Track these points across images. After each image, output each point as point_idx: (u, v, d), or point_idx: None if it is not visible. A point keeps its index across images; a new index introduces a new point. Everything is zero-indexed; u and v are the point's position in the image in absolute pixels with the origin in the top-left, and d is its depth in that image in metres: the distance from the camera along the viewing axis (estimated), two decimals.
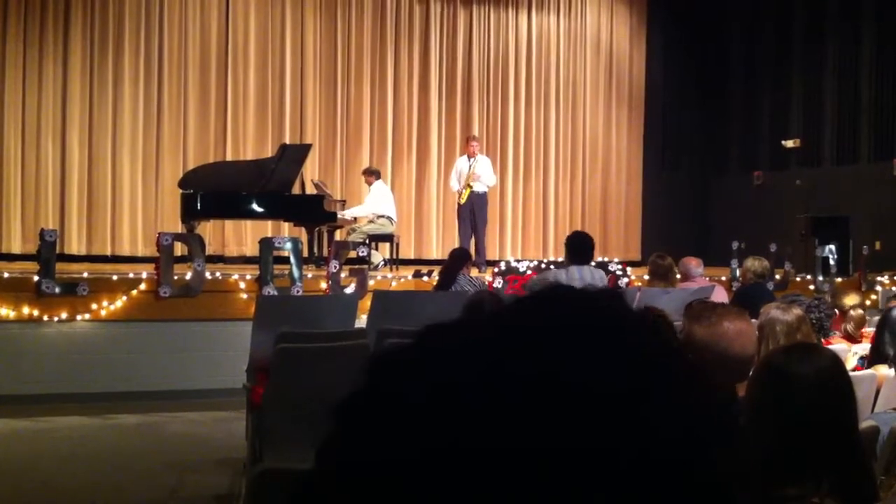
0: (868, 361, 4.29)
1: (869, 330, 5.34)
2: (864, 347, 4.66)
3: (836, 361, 1.98)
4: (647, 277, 8.26)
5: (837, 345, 4.92)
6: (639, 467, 0.52)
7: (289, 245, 8.81)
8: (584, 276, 6.53)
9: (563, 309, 0.59)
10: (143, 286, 8.34)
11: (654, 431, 0.53)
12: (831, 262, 11.35)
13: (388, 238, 11.65)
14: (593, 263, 7.10)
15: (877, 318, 5.63)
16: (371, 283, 8.96)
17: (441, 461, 0.51)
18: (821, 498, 1.75)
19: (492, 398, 0.53)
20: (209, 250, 10.96)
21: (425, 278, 9.70)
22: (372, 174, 11.98)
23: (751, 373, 2.03)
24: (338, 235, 11.50)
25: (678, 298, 5.94)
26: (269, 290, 8.34)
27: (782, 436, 1.84)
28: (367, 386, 0.57)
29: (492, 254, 13.27)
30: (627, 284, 9.90)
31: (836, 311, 5.57)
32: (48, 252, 8.03)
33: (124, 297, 8.25)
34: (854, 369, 4.15)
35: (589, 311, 0.58)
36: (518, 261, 10.58)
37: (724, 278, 10.18)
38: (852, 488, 1.78)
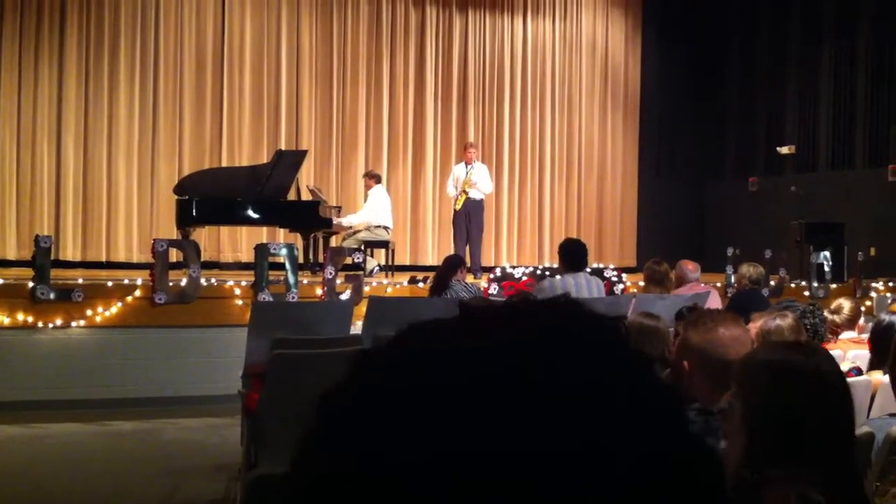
0: (869, 366, 4.29)
1: (864, 336, 5.35)
2: (857, 354, 4.67)
3: (829, 360, 1.99)
4: (642, 283, 8.26)
5: (833, 351, 4.93)
6: (631, 470, 0.52)
7: (284, 251, 8.80)
8: (579, 283, 6.53)
9: (545, 315, 0.59)
10: (138, 292, 8.33)
11: (645, 435, 0.53)
12: (826, 268, 11.36)
13: (383, 244, 11.66)
14: (588, 270, 7.10)
15: (871, 324, 5.66)
16: (366, 289, 8.95)
17: (431, 465, 0.52)
18: (803, 485, 1.76)
19: (477, 401, 0.53)
20: (204, 256, 10.94)
21: (420, 284, 9.70)
22: (373, 178, 11.98)
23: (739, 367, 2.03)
24: (333, 241, 11.50)
25: (673, 304, 5.95)
26: (265, 297, 8.32)
27: (765, 429, 1.85)
28: (349, 387, 0.57)
29: (487, 260, 13.28)
30: (623, 291, 9.91)
31: (834, 316, 5.58)
32: (43, 258, 8.01)
33: (119, 304, 8.23)
34: (846, 375, 4.14)
35: (570, 319, 0.59)
36: (513, 267, 10.59)
37: (719, 284, 10.18)
38: (838, 486, 1.78)
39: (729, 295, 9.44)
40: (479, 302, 4.47)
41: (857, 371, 4.16)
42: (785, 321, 3.82)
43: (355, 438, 0.54)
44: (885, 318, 4.09)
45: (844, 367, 4.21)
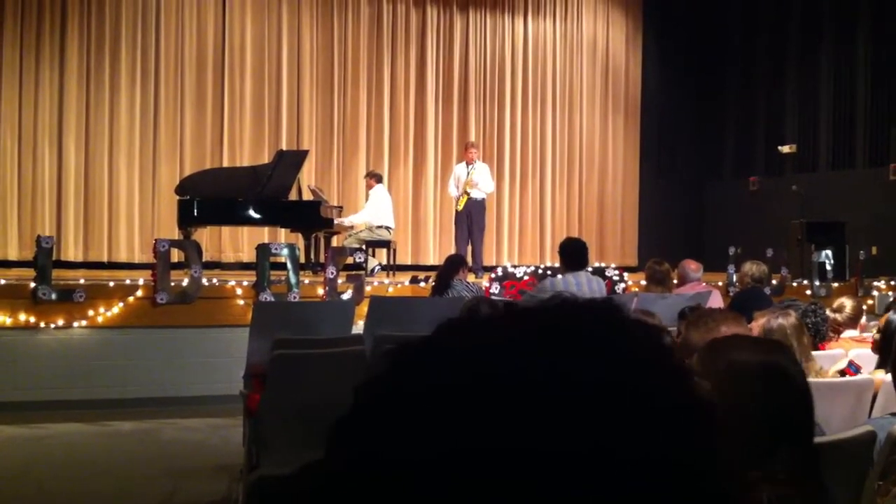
0: (877, 366, 4.28)
1: (866, 335, 5.34)
2: (859, 353, 4.66)
3: (792, 358, 1.98)
4: (644, 283, 8.26)
5: (835, 350, 4.93)
6: (641, 469, 0.52)
7: (285, 251, 8.80)
8: (580, 282, 6.52)
9: (565, 315, 0.59)
10: (139, 293, 8.33)
11: (654, 432, 0.53)
12: (828, 267, 11.35)
13: (384, 244, 11.66)
14: (589, 269, 7.10)
15: (873, 323, 5.65)
16: (368, 289, 8.95)
17: (448, 461, 0.52)
18: (779, 485, 1.76)
19: (498, 400, 0.53)
20: (206, 256, 10.96)
21: (422, 284, 9.69)
22: (374, 178, 12.00)
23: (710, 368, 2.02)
24: (335, 241, 11.50)
25: (675, 304, 5.95)
26: (266, 297, 8.32)
27: (739, 430, 1.85)
28: (377, 384, 0.58)
29: (489, 259, 13.28)
30: (624, 290, 9.91)
31: (836, 314, 5.58)
32: (44, 258, 8.01)
33: (121, 304, 8.23)
34: (844, 372, 4.14)
35: (590, 317, 0.59)
36: (515, 266, 10.58)
37: (720, 283, 10.17)
38: (804, 485, 1.78)
39: (731, 294, 9.43)
40: (484, 303, 4.45)
41: (856, 368, 4.15)
42: (787, 320, 3.82)
43: (364, 436, 0.54)
44: None
45: (842, 364, 4.21)
